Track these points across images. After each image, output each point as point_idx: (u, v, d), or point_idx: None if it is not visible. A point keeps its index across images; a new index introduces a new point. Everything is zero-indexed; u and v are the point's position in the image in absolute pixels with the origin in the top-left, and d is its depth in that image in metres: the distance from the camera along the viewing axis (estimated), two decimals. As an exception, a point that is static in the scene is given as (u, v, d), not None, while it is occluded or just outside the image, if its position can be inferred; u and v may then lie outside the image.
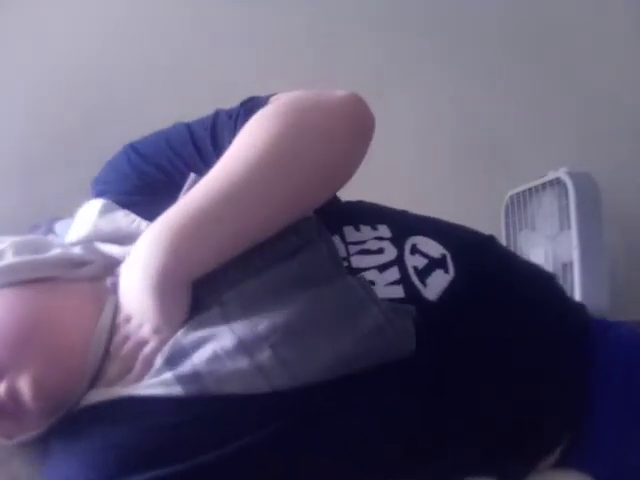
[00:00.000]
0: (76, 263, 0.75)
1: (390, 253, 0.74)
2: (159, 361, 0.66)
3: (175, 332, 0.67)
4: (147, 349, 0.67)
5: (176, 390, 0.64)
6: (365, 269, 0.72)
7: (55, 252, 0.77)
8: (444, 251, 0.76)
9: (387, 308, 0.66)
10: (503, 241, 1.68)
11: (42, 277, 0.73)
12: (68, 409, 0.68)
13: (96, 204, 0.79)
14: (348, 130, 0.75)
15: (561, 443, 0.76)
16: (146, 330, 0.68)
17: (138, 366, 0.67)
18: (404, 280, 0.72)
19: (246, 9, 1.74)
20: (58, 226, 0.89)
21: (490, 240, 0.85)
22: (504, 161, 1.81)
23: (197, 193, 0.69)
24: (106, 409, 0.65)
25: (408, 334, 0.66)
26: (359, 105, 0.79)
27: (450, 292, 0.73)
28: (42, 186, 1.56)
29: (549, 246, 1.58)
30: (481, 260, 0.79)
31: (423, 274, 0.73)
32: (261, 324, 0.64)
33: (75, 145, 1.57)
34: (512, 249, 1.60)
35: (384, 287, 0.71)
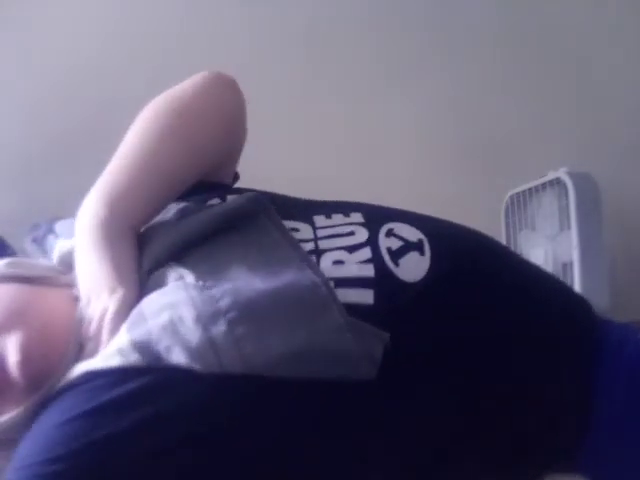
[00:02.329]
0: (60, 271, 0.79)
1: (361, 235, 0.72)
2: (123, 328, 0.66)
3: (132, 290, 0.68)
4: (108, 315, 0.67)
5: (133, 358, 0.62)
6: (332, 249, 0.70)
7: (45, 262, 0.82)
8: (421, 236, 0.72)
9: (358, 324, 0.63)
10: (503, 241, 1.68)
11: (36, 276, 0.76)
12: (47, 392, 0.68)
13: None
14: (202, 79, 0.82)
15: (569, 449, 0.73)
16: (103, 299, 0.68)
17: (104, 335, 0.67)
18: (375, 259, 0.69)
19: (246, 9, 1.74)
20: (58, 226, 0.89)
21: (488, 238, 0.83)
22: (504, 161, 1.81)
23: (109, 166, 0.76)
24: (66, 388, 0.65)
25: (372, 360, 0.62)
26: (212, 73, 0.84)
27: (434, 278, 0.69)
28: (42, 186, 1.56)
29: (549, 246, 1.58)
30: (471, 251, 0.76)
31: (396, 255, 0.70)
32: (222, 299, 0.62)
33: (75, 145, 1.57)
34: (512, 249, 1.60)
35: (353, 265, 0.68)
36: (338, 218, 0.74)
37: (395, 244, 0.71)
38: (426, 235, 0.73)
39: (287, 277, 0.64)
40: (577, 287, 1.45)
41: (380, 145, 1.78)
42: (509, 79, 1.83)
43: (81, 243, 0.72)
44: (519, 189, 1.67)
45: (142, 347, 0.62)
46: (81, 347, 0.70)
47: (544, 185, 1.60)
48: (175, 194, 0.78)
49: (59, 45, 1.65)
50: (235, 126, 0.85)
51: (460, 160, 1.79)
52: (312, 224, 0.73)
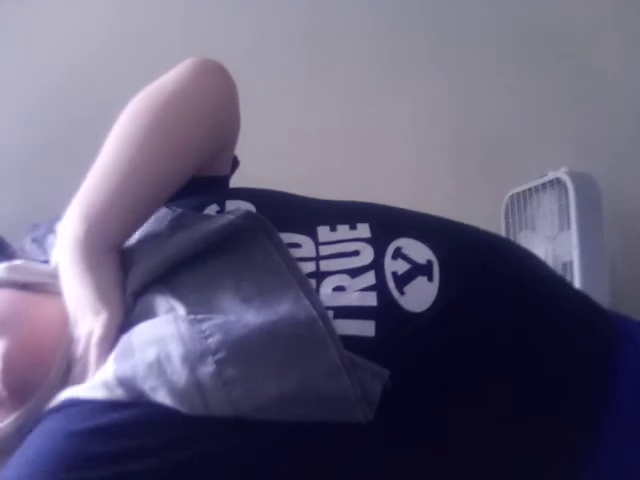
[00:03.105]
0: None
1: (367, 256, 0.67)
2: (111, 357, 0.63)
3: (116, 312, 0.66)
4: (94, 339, 0.65)
5: (118, 393, 0.60)
6: (334, 273, 0.65)
7: (46, 267, 0.80)
8: (432, 257, 0.67)
9: (356, 361, 0.59)
10: (503, 241, 1.67)
11: (34, 283, 0.75)
12: (34, 409, 0.66)
13: None
14: (187, 67, 0.79)
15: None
16: (89, 321, 0.66)
17: (91, 359, 0.65)
18: (379, 287, 0.64)
19: (246, 9, 1.74)
20: (58, 226, 0.89)
21: (502, 242, 0.77)
22: (504, 161, 1.81)
23: (87, 180, 0.73)
24: (50, 412, 0.63)
25: (369, 401, 0.58)
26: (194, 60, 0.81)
27: (441, 307, 0.64)
28: (42, 186, 1.56)
29: (549, 246, 1.58)
30: (486, 266, 0.70)
31: (402, 281, 0.65)
32: (212, 336, 0.59)
33: (75, 145, 1.57)
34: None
35: (354, 293, 0.63)
36: (344, 231, 0.70)
37: (402, 268, 0.66)
38: (437, 256, 0.67)
39: (283, 309, 0.61)
40: (577, 287, 1.45)
41: (380, 145, 1.78)
42: (509, 79, 1.83)
43: (63, 264, 0.70)
44: (519, 189, 1.67)
45: (126, 384, 0.60)
46: (69, 366, 0.68)
47: (544, 185, 1.60)
48: (162, 200, 0.74)
49: (59, 45, 1.65)
50: (225, 113, 0.81)
51: (460, 160, 1.79)
52: (315, 238, 0.69)
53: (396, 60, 1.79)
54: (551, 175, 1.57)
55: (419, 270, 0.66)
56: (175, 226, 0.71)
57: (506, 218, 1.70)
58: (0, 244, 1.15)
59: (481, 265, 0.70)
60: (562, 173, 1.54)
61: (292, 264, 0.65)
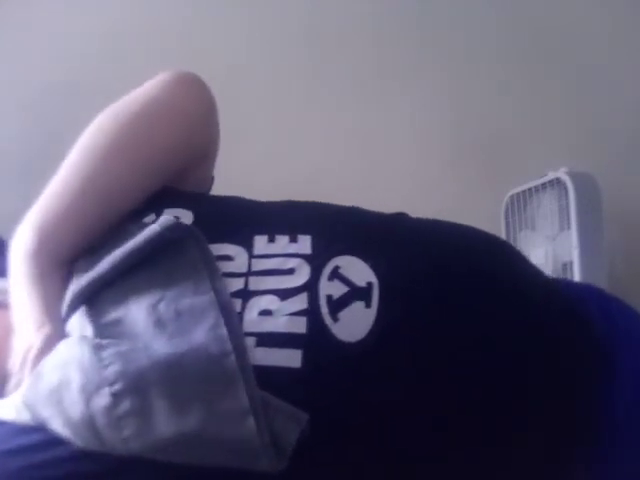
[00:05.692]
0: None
1: (302, 276, 0.61)
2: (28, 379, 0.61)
3: (58, 327, 0.64)
4: (31, 353, 0.63)
5: (25, 416, 0.57)
6: (263, 292, 0.60)
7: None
8: (372, 278, 0.60)
9: (270, 402, 0.53)
10: (503, 241, 1.67)
11: None
12: None
13: None
14: (160, 79, 0.75)
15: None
16: (30, 334, 0.64)
17: (26, 373, 0.62)
18: (311, 312, 0.58)
19: (246, 9, 1.74)
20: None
21: (474, 249, 0.69)
22: (504, 161, 1.81)
23: (44, 192, 0.72)
24: None
25: (280, 449, 0.52)
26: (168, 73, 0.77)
27: (377, 337, 0.57)
28: (42, 186, 1.56)
29: (549, 246, 1.58)
30: (436, 286, 0.62)
31: (337, 306, 0.59)
32: (111, 365, 0.55)
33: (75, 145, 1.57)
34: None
35: (283, 317, 0.58)
36: (282, 243, 0.64)
37: (338, 291, 0.60)
38: (379, 276, 0.60)
39: (196, 338, 0.56)
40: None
41: (380, 145, 1.78)
42: (509, 79, 1.83)
43: (13, 273, 0.69)
44: (519, 189, 1.67)
45: (30, 409, 0.57)
46: (6, 378, 0.66)
47: (544, 185, 1.60)
48: (121, 213, 0.71)
49: (59, 45, 1.65)
50: (197, 127, 0.77)
51: (460, 160, 1.79)
52: (250, 249, 0.64)
53: (396, 60, 1.79)
54: (551, 175, 1.57)
55: (357, 294, 0.60)
56: (117, 240, 0.67)
57: (506, 218, 1.70)
58: (0, 244, 1.16)
59: (430, 286, 0.62)
60: (562, 173, 1.54)
61: (218, 282, 0.60)
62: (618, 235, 1.69)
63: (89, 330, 0.60)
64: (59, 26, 1.67)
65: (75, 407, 0.54)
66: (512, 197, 1.69)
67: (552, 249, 1.57)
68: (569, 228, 1.51)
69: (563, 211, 1.53)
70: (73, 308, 0.64)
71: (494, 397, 0.60)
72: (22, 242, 0.69)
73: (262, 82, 1.66)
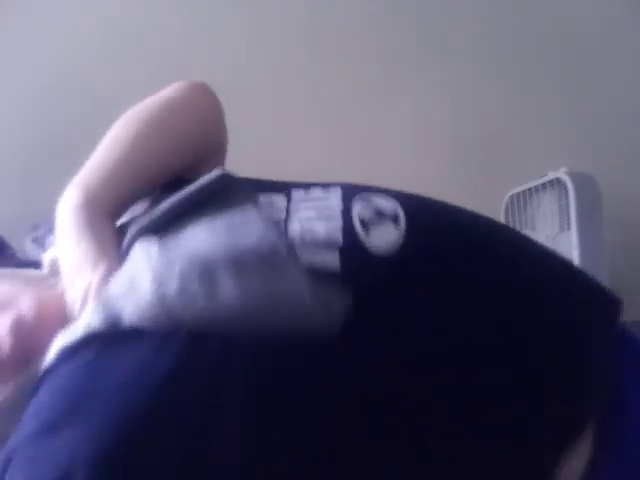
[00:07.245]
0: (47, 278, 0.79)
1: (336, 204, 0.70)
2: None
3: (114, 263, 0.67)
4: (92, 289, 0.66)
5: (95, 320, 0.61)
6: (303, 214, 0.68)
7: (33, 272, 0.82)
8: (399, 210, 0.69)
9: (318, 282, 0.60)
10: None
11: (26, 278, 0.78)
12: (32, 375, 0.66)
13: None
14: (176, 86, 0.83)
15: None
16: (87, 275, 0.67)
17: (84, 307, 0.66)
18: (346, 227, 0.66)
19: (246, 9, 1.74)
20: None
21: (498, 228, 0.77)
22: (504, 161, 1.81)
23: (87, 162, 0.76)
24: (47, 370, 0.63)
25: (331, 312, 0.59)
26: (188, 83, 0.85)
27: (405, 253, 0.65)
28: (42, 186, 1.56)
29: (549, 246, 1.58)
30: (453, 226, 0.72)
31: (368, 224, 0.67)
32: (178, 259, 0.61)
33: (75, 145, 1.57)
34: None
35: (323, 230, 0.66)
36: (317, 191, 0.73)
37: (368, 214, 0.69)
38: (404, 209, 0.70)
39: (249, 234, 0.64)
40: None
41: (379, 144, 1.78)
42: (509, 79, 1.83)
43: (61, 227, 0.73)
44: (519, 189, 1.67)
45: (104, 307, 0.61)
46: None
47: (544, 185, 1.60)
48: (153, 183, 0.78)
49: (59, 45, 1.65)
50: (210, 124, 0.85)
51: (460, 160, 1.80)
52: (288, 197, 0.72)
53: (396, 60, 1.79)
54: (551, 175, 1.57)
55: (386, 218, 0.68)
56: (150, 206, 0.74)
57: (506, 218, 1.70)
58: (0, 244, 1.16)
59: (447, 225, 0.73)
60: (562, 173, 1.54)
61: (262, 208, 0.68)
62: (618, 235, 1.69)
63: (154, 246, 0.64)
64: (59, 26, 1.67)
65: (146, 293, 0.60)
66: (512, 197, 1.69)
67: (552, 249, 1.57)
68: (569, 228, 1.51)
69: (563, 211, 1.54)
70: (134, 241, 0.67)
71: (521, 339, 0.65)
72: (68, 199, 0.73)
73: (262, 82, 1.66)
